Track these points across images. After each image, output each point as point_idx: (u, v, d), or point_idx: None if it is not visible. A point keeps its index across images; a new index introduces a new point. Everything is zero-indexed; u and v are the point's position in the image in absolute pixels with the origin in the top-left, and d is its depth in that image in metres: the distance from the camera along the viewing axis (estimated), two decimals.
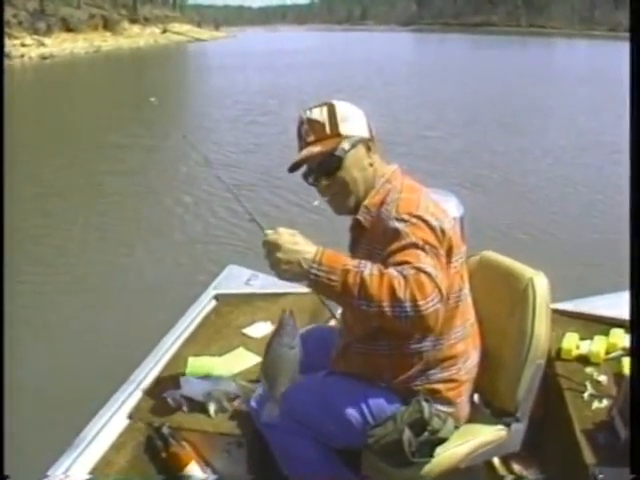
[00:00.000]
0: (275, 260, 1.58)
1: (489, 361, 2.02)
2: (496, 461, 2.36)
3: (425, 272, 1.55)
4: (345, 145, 1.86)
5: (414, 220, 1.70)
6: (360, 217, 1.89)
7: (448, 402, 1.93)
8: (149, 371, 2.59)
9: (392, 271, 1.56)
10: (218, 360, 2.65)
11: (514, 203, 7.90)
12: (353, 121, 1.89)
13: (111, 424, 2.28)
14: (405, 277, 1.53)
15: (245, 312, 3.11)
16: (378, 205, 1.86)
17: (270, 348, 1.69)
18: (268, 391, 1.74)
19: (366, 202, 1.89)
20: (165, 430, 2.24)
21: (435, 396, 1.90)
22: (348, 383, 1.95)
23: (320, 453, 1.98)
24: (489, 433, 2.02)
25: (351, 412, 1.90)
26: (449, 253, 1.78)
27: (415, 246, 1.63)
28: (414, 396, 1.88)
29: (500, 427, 2.02)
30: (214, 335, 2.91)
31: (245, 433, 2.22)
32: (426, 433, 1.82)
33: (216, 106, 17.17)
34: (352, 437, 1.91)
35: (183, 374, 2.51)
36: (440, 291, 1.55)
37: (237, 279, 3.46)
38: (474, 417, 2.03)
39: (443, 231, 1.73)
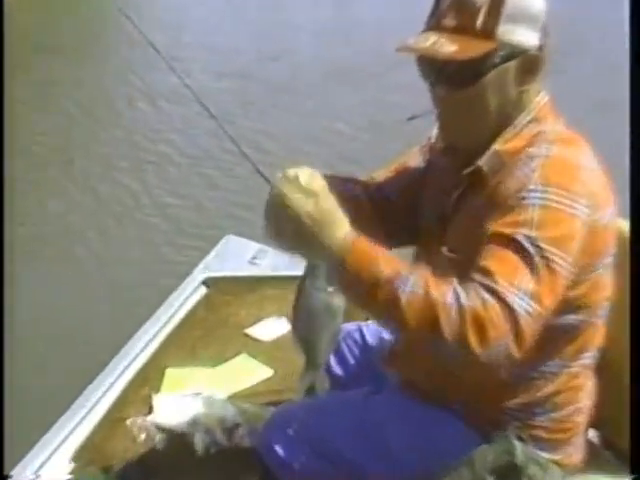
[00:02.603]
0: (281, 229, 1.53)
1: (610, 385, 1.88)
2: None
3: (503, 303, 1.44)
4: (495, 57, 1.66)
5: (556, 202, 1.54)
6: (484, 165, 1.71)
7: (553, 446, 1.81)
8: (108, 387, 2.54)
9: (445, 294, 1.46)
10: (209, 373, 2.65)
11: None
12: (523, 22, 1.68)
13: (46, 470, 2.24)
14: (461, 307, 1.43)
15: (249, 304, 3.06)
16: (516, 154, 1.69)
17: (302, 295, 1.63)
18: (308, 357, 1.68)
19: (498, 146, 1.71)
20: (130, 477, 2.24)
21: (534, 436, 1.79)
22: (402, 406, 1.86)
23: None
24: None
25: (405, 448, 1.83)
26: (595, 256, 1.65)
27: (521, 250, 1.50)
28: (500, 430, 1.78)
29: (629, 477, 1.82)
30: (204, 336, 2.87)
31: (248, 478, 2.11)
32: None
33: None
34: None
35: (157, 392, 2.52)
36: (519, 332, 1.44)
37: (237, 256, 3.37)
38: (591, 463, 1.90)
39: (595, 229, 1.60)
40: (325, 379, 1.72)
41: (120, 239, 5.63)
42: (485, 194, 1.71)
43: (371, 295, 1.49)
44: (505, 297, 1.44)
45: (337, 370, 2.06)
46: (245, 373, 2.65)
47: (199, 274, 3.23)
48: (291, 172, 1.55)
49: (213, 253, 3.41)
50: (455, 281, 1.47)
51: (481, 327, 1.42)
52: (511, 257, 1.49)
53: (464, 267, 1.52)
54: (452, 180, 1.82)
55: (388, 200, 1.92)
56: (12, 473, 2.23)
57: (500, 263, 1.49)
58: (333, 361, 2.05)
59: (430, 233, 1.80)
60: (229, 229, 3.81)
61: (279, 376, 2.58)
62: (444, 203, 1.82)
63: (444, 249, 1.68)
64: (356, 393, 1.94)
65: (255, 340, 2.83)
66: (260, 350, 2.75)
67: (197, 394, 2.48)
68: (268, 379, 2.59)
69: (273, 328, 2.87)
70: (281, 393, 2.44)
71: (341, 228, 1.51)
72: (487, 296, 1.44)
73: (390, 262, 1.51)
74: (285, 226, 1.52)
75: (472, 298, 1.44)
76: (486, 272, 1.47)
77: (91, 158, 7.28)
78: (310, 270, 1.62)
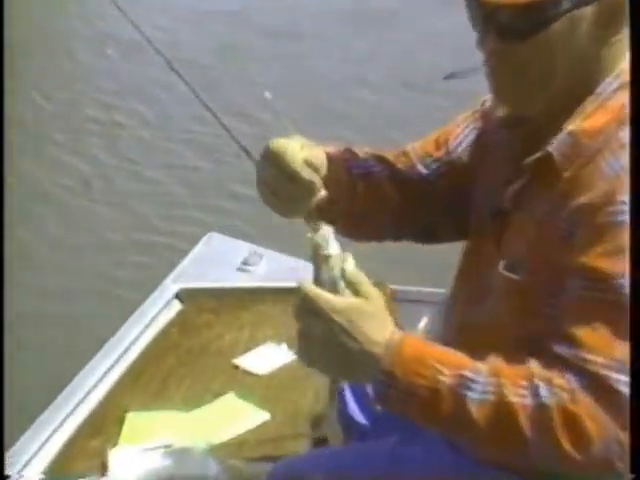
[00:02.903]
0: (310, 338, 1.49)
1: None
2: None
3: (602, 386, 1.38)
4: (565, 1, 1.54)
5: None
6: (555, 152, 1.56)
7: None
8: (48, 437, 2.45)
9: (523, 392, 1.42)
10: (184, 418, 2.58)
11: None
12: None
13: None
14: (546, 407, 1.39)
15: (238, 325, 2.96)
16: (600, 134, 1.56)
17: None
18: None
19: (575, 125, 1.58)
20: None
21: None
22: (439, 456, 1.74)
23: None
24: None
25: None
26: None
27: (621, 301, 1.40)
28: None
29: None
30: (178, 367, 2.78)
31: None
32: None
33: None
34: None
35: (114, 443, 2.45)
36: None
37: (222, 260, 3.31)
38: None
39: None
40: (337, 425, 1.75)
41: (83, 224, 5.42)
42: (557, 191, 1.58)
43: (432, 411, 1.44)
44: (604, 378, 1.38)
45: (358, 415, 1.98)
46: (232, 418, 2.55)
47: (171, 284, 3.10)
48: (280, 144, 1.52)
49: (192, 255, 3.32)
50: (533, 365, 1.41)
51: (575, 427, 1.37)
52: (606, 319, 1.41)
53: (529, 295, 1.50)
54: (512, 164, 1.68)
55: (426, 181, 1.83)
56: None
57: (592, 329, 1.41)
58: (353, 402, 1.97)
59: (481, 231, 1.71)
60: (224, 210, 3.80)
61: (277, 421, 2.49)
62: (500, 194, 1.69)
63: (501, 265, 1.55)
64: (379, 444, 1.85)
65: (246, 373, 2.71)
66: (253, 387, 2.64)
67: (168, 446, 2.38)
68: (263, 425, 2.48)
69: (270, 358, 2.76)
70: (280, 443, 2.40)
71: (383, 329, 1.47)
72: (576, 382, 1.38)
73: (449, 362, 1.45)
74: (314, 332, 1.48)
75: (557, 390, 1.38)
76: (574, 344, 1.41)
77: (45, 120, 7.11)
78: (318, 272, 1.56)
